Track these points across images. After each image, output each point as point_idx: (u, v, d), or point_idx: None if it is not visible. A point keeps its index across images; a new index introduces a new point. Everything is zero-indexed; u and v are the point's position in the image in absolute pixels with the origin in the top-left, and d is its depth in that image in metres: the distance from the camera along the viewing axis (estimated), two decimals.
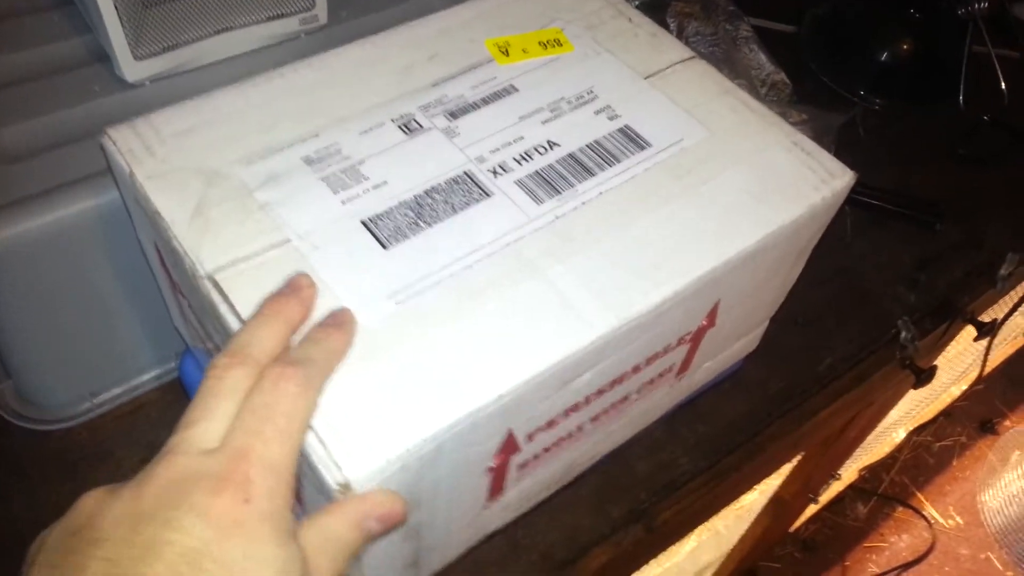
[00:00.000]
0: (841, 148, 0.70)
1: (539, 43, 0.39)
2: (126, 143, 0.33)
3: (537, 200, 0.33)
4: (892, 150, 0.73)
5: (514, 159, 0.34)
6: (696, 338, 0.37)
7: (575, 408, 0.34)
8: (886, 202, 0.69)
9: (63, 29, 0.50)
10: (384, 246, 0.31)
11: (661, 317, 0.32)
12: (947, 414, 1.53)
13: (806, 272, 0.64)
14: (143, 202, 0.32)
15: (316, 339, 0.28)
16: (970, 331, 0.72)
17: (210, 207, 0.31)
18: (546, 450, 0.35)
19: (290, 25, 0.51)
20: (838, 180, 0.35)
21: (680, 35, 0.65)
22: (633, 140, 0.36)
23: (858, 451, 1.27)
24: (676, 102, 0.37)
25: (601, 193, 0.34)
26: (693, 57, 0.40)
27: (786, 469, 0.85)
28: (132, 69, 0.47)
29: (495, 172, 0.34)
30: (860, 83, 0.78)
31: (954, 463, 1.55)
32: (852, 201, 0.69)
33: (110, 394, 0.51)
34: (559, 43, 0.39)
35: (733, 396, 0.58)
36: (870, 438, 1.26)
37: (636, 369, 0.35)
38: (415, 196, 0.33)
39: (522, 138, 0.35)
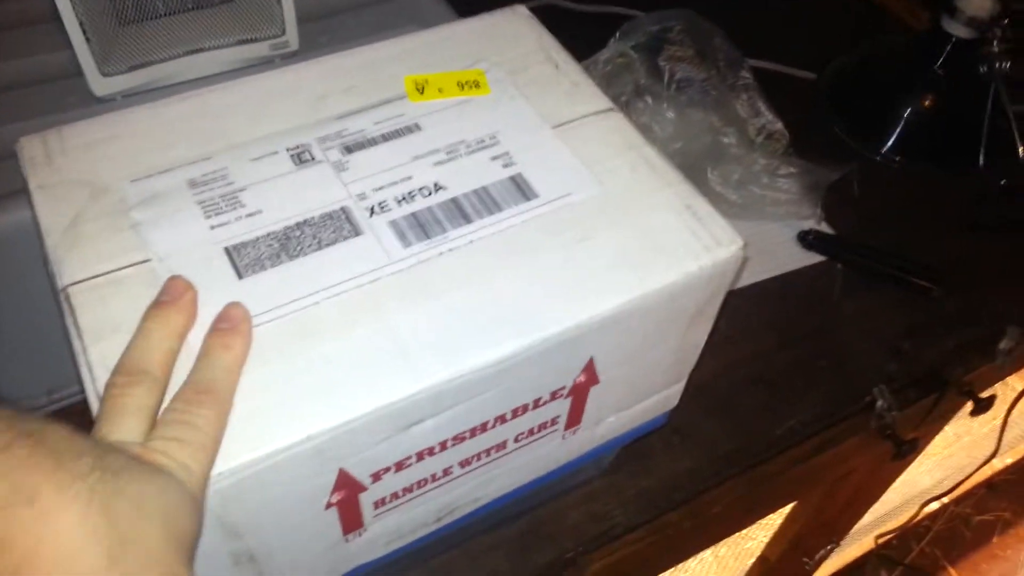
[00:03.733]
0: (839, 205, 0.68)
1: (457, 83, 0.39)
2: (31, 151, 0.35)
3: (405, 243, 0.33)
4: (896, 211, 0.70)
5: (395, 199, 0.35)
6: (577, 393, 0.36)
7: (429, 452, 0.33)
8: (880, 263, 0.65)
9: (56, 42, 0.53)
10: (240, 275, 0.32)
11: (506, 373, 0.31)
12: (990, 486, 1.44)
13: (777, 329, 0.62)
14: (32, 209, 0.33)
15: (215, 358, 0.28)
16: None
17: (86, 221, 0.33)
18: (407, 490, 0.35)
19: (261, 50, 0.53)
20: (723, 249, 0.34)
21: (670, 79, 0.64)
22: (520, 189, 0.35)
23: (881, 516, 1.21)
24: (577, 154, 0.37)
25: (472, 241, 0.33)
26: (611, 110, 0.39)
27: (767, 528, 0.82)
28: (100, 84, 0.49)
29: (372, 211, 0.34)
30: (877, 139, 0.75)
31: (994, 540, 1.45)
32: (844, 260, 0.66)
33: (67, 391, 0.53)
34: (477, 85, 0.39)
35: (680, 452, 0.57)
36: (893, 504, 1.20)
37: (501, 420, 0.34)
38: (285, 228, 0.33)
39: (410, 178, 0.35)
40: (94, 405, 0.28)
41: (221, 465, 0.27)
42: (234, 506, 0.28)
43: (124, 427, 0.26)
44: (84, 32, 0.47)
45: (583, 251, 0.33)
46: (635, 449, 0.54)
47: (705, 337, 0.39)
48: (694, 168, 0.66)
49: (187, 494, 0.25)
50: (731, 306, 0.63)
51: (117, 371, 0.27)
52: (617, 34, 0.68)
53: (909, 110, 0.75)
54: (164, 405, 0.28)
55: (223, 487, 0.27)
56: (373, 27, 0.57)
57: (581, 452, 0.42)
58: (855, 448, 0.63)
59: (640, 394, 0.41)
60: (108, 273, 0.31)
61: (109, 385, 0.27)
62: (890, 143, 0.74)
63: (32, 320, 0.49)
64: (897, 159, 0.74)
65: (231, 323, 0.30)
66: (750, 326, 0.63)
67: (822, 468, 0.63)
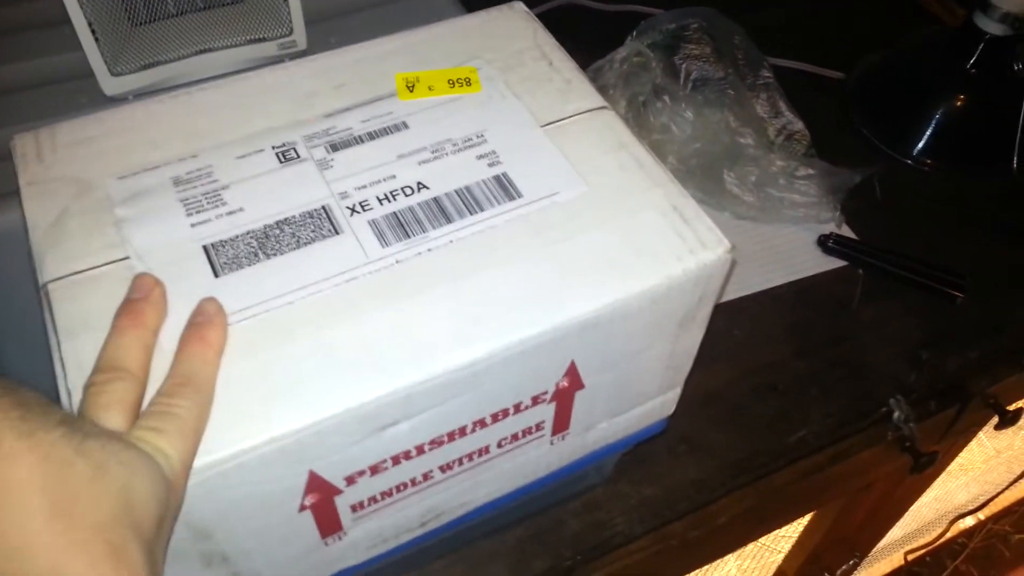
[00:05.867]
0: (861, 209, 0.66)
1: (448, 81, 0.39)
2: (23, 148, 0.35)
3: (384, 242, 0.33)
4: (921, 215, 0.68)
5: (377, 198, 0.34)
6: (561, 398, 0.35)
7: (406, 456, 0.33)
8: (903, 269, 0.63)
9: (69, 43, 0.53)
10: (216, 274, 0.31)
11: (481, 376, 0.31)
12: None
13: (793, 336, 0.61)
14: (20, 205, 0.34)
15: (192, 351, 0.29)
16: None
17: (71, 217, 0.33)
18: (385, 494, 0.35)
19: (269, 49, 0.53)
20: (708, 252, 0.33)
21: (686, 78, 0.63)
22: (505, 189, 0.35)
23: (913, 531, 1.17)
24: (565, 153, 0.36)
25: (451, 241, 0.33)
26: (603, 108, 0.38)
27: (789, 540, 0.80)
28: (111, 84, 0.50)
29: (353, 210, 0.34)
30: (906, 141, 0.73)
31: None
32: (865, 265, 0.64)
33: None
34: (468, 83, 0.39)
35: (686, 460, 0.55)
36: (926, 519, 1.16)
37: (481, 424, 0.34)
38: (264, 226, 0.33)
39: (393, 177, 0.35)
40: (65, 402, 0.28)
41: None
42: (200, 506, 0.28)
43: (105, 423, 0.26)
44: (93, 32, 0.47)
45: (565, 252, 0.33)
46: (639, 456, 0.53)
47: (698, 343, 0.38)
48: (712, 169, 0.64)
49: (158, 477, 0.25)
50: (745, 311, 0.62)
51: (95, 370, 0.28)
52: (634, 32, 0.67)
53: (940, 111, 0.72)
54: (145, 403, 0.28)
55: (187, 485, 0.27)
56: (383, 27, 0.56)
57: (573, 458, 0.42)
58: (872, 460, 0.61)
59: (632, 400, 0.40)
60: (87, 271, 0.31)
61: (88, 384, 0.27)
62: (920, 145, 0.72)
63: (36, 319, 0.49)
64: (928, 162, 0.72)
65: (205, 316, 0.30)
66: (764, 332, 0.61)
67: (837, 480, 0.61)
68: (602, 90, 0.39)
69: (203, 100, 0.38)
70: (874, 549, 0.94)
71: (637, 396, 0.40)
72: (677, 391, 0.42)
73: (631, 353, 0.35)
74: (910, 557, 1.14)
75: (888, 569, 1.20)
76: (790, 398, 0.58)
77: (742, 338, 0.61)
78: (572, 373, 0.34)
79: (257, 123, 0.37)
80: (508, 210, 0.34)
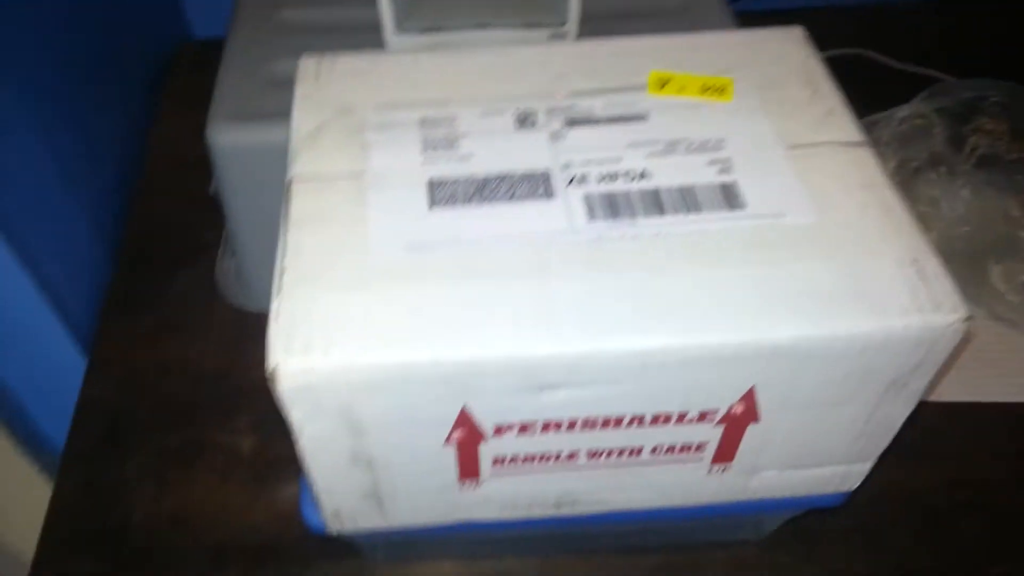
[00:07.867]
0: None
1: (702, 86, 0.38)
2: (306, 69, 0.40)
3: (592, 217, 0.33)
4: None
5: (597, 176, 0.34)
6: (732, 423, 0.33)
7: (556, 426, 0.33)
8: None
9: None
10: (431, 206, 0.33)
11: (650, 369, 0.30)
12: None
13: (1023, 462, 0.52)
14: (292, 112, 0.38)
15: None
16: None
17: (327, 131, 0.36)
18: (527, 459, 0.35)
19: (540, 36, 0.56)
20: (940, 315, 0.29)
21: (971, 152, 0.57)
22: (728, 197, 0.33)
23: None
24: (804, 178, 0.34)
25: (658, 234, 0.32)
26: (861, 144, 0.36)
27: None
28: (393, 40, 0.55)
29: (571, 180, 0.34)
30: None
31: None
32: None
33: None
34: (721, 91, 0.38)
35: (859, 552, 0.50)
36: None
37: (639, 421, 0.33)
38: (486, 175, 0.34)
39: (619, 160, 0.35)
40: (276, 281, 0.31)
41: (359, 358, 0.28)
42: (362, 401, 0.30)
43: None
44: None
45: (775, 274, 0.31)
46: (806, 529, 0.49)
47: (904, 416, 0.34)
48: (977, 258, 0.58)
49: None
50: (973, 417, 0.55)
51: None
52: (924, 92, 0.62)
53: None
54: None
55: (355, 380, 0.29)
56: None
57: (730, 498, 0.39)
58: None
59: (811, 457, 0.37)
60: (326, 175, 0.35)
61: None
62: None
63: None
64: None
65: None
66: (990, 447, 0.53)
67: None
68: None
69: (468, 60, 0.41)
70: None
71: (818, 454, 0.36)
72: (867, 466, 0.38)
73: (821, 402, 0.33)
74: None
75: None
76: (1000, 526, 0.50)
77: (961, 445, 0.54)
78: (749, 399, 0.32)
79: (507, 88, 0.39)
80: (725, 218, 0.33)
